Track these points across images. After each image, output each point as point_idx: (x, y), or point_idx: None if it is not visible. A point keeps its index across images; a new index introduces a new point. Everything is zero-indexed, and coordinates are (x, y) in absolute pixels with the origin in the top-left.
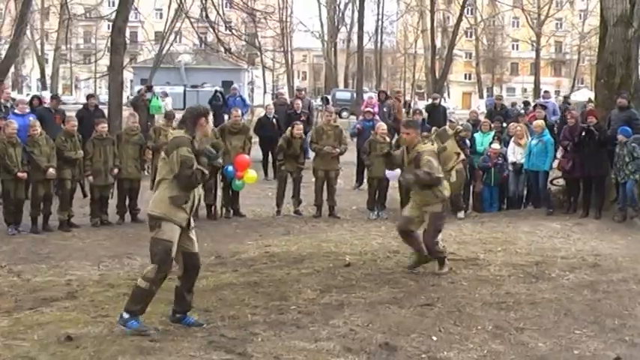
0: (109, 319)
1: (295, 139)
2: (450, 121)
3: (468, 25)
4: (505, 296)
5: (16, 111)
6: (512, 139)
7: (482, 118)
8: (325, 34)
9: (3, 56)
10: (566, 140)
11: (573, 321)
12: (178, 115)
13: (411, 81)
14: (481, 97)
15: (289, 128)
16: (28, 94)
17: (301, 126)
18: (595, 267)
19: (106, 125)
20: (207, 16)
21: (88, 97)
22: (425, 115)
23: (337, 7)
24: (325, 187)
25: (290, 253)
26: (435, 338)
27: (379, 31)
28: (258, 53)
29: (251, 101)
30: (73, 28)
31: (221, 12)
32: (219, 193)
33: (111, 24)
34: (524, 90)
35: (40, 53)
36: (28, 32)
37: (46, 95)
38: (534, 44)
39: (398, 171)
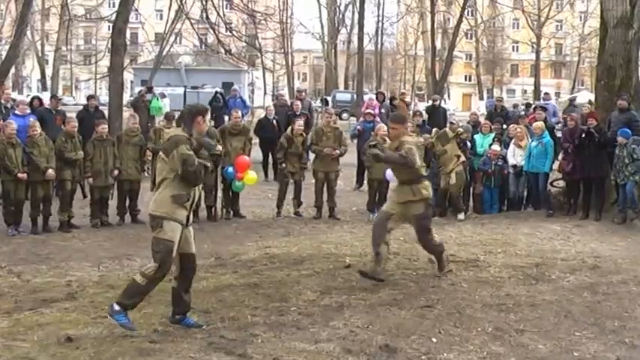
0: (109, 320)
1: (296, 136)
2: (451, 122)
3: (468, 26)
4: (505, 298)
5: (16, 112)
6: (513, 140)
7: (482, 119)
8: (325, 36)
9: (3, 57)
10: (567, 142)
11: (573, 323)
12: None
13: (411, 82)
14: (481, 98)
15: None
16: (28, 95)
17: (302, 122)
18: (595, 269)
19: (106, 126)
20: (207, 18)
21: (89, 98)
22: (425, 116)
23: (337, 9)
24: (325, 188)
25: (290, 254)
26: (434, 340)
27: (379, 32)
28: (259, 54)
29: (251, 102)
30: (74, 29)
31: (221, 13)
32: (220, 194)
33: (111, 25)
34: (525, 92)
35: (40, 54)
36: (28, 33)
37: (46, 96)
38: (534, 46)
39: None
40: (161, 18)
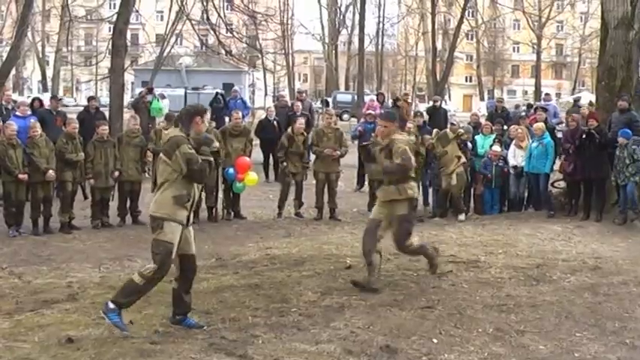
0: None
1: (297, 135)
2: (452, 123)
3: (469, 27)
4: (506, 299)
5: (17, 113)
6: (513, 141)
7: (483, 120)
8: (326, 37)
9: (4, 58)
10: (567, 143)
11: (574, 324)
12: None
13: (411, 83)
14: (482, 99)
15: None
16: (29, 96)
17: (303, 121)
18: (596, 269)
19: (106, 127)
20: (208, 19)
21: (89, 99)
22: (426, 117)
23: (338, 10)
24: (326, 189)
25: (291, 255)
26: (435, 341)
27: (380, 33)
28: (259, 55)
29: (252, 103)
30: (74, 31)
31: (222, 14)
32: (221, 195)
33: (112, 26)
34: (525, 92)
35: (41, 55)
36: (29, 34)
37: (47, 97)
38: (535, 47)
39: None
40: (162, 19)
